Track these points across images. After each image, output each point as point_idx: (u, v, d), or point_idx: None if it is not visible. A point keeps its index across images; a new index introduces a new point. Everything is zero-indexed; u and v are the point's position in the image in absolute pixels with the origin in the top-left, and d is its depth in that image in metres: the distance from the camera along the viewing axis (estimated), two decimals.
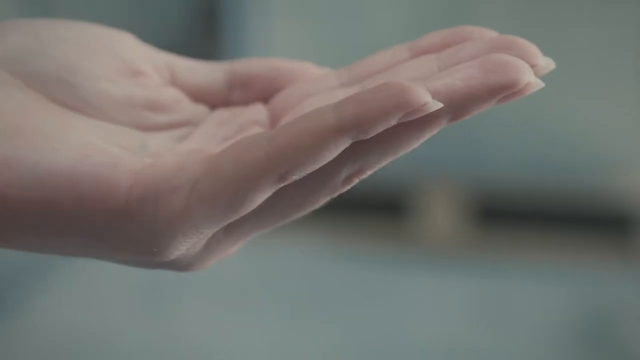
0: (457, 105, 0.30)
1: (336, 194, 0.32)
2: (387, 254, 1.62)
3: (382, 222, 1.68)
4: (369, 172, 0.32)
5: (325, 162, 0.30)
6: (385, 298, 1.48)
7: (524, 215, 1.72)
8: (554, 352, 1.34)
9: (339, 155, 0.31)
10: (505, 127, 1.61)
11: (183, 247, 0.31)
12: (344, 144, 0.30)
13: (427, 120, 0.31)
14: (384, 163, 0.32)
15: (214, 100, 0.39)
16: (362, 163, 0.31)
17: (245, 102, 0.38)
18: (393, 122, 0.30)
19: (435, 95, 0.30)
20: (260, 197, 0.30)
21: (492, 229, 1.71)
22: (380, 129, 0.30)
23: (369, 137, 0.30)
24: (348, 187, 0.32)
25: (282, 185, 0.30)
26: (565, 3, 1.52)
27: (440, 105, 0.30)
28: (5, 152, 0.31)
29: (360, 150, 0.31)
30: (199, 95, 0.38)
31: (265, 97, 0.38)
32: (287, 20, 1.57)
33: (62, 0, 1.55)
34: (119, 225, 0.30)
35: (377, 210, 1.70)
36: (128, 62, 0.37)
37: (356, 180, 0.32)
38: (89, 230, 0.30)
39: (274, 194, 0.32)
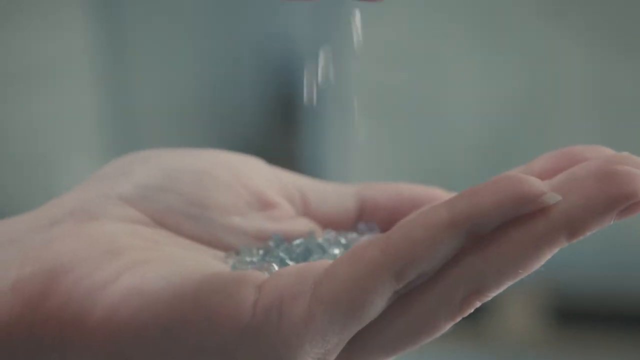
0: (575, 220, 0.29)
1: (456, 318, 0.31)
2: (463, 352, 1.61)
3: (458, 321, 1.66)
4: (488, 295, 0.31)
5: (441, 258, 0.29)
6: None
7: (602, 317, 1.69)
8: None
9: (455, 270, 0.30)
10: None
11: (310, 359, 0.30)
12: (458, 239, 0.29)
13: (545, 237, 0.29)
14: (501, 285, 0.30)
15: (341, 227, 0.39)
16: (479, 282, 0.30)
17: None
18: (508, 213, 0.29)
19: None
20: (379, 299, 0.30)
21: (569, 329, 1.69)
22: (494, 221, 0.29)
23: (482, 232, 0.29)
24: (468, 311, 0.31)
25: (400, 287, 0.30)
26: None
27: (559, 198, 0.29)
28: (133, 280, 0.31)
29: (476, 266, 0.30)
30: (328, 223, 0.38)
31: (389, 225, 0.38)
32: (366, 117, 1.58)
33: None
34: (248, 341, 0.30)
35: None
36: (259, 194, 0.37)
37: (476, 304, 0.31)
38: (221, 349, 0.30)
39: (393, 310, 0.31)
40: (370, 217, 0.39)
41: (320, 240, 0.36)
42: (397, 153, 1.57)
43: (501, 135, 1.53)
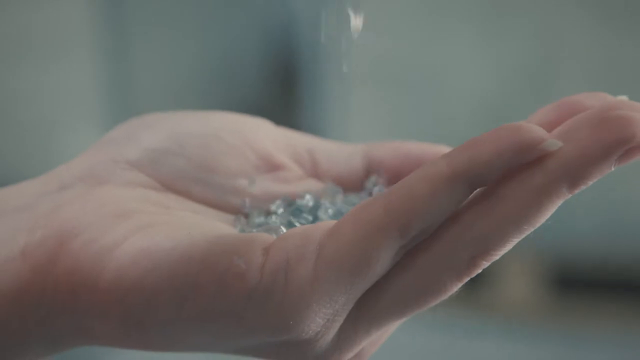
0: (573, 169, 0.29)
1: (463, 279, 0.31)
2: (462, 320, 1.61)
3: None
4: (494, 255, 0.30)
5: (444, 212, 0.29)
6: None
7: (601, 285, 1.70)
8: None
9: (459, 231, 0.30)
10: (583, 194, 1.59)
11: (319, 320, 0.30)
12: (460, 191, 0.29)
13: (545, 189, 0.29)
14: (506, 242, 0.30)
15: (350, 185, 0.39)
16: (484, 242, 0.30)
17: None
18: (508, 162, 0.29)
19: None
20: (385, 256, 0.30)
21: (569, 298, 1.69)
22: (494, 171, 0.29)
23: (484, 182, 0.29)
24: (475, 271, 0.31)
25: (405, 242, 0.30)
26: None
27: (560, 144, 0.29)
28: (142, 242, 0.31)
29: (479, 226, 0.30)
30: (337, 182, 0.38)
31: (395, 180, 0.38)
32: (366, 84, 1.57)
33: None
34: (256, 302, 0.30)
35: None
36: (266, 156, 0.37)
37: (482, 264, 0.31)
38: (230, 311, 0.30)
39: (399, 269, 0.31)
40: (378, 175, 0.39)
41: (325, 200, 0.36)
42: (397, 121, 1.57)
43: (503, 105, 1.53)
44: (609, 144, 0.29)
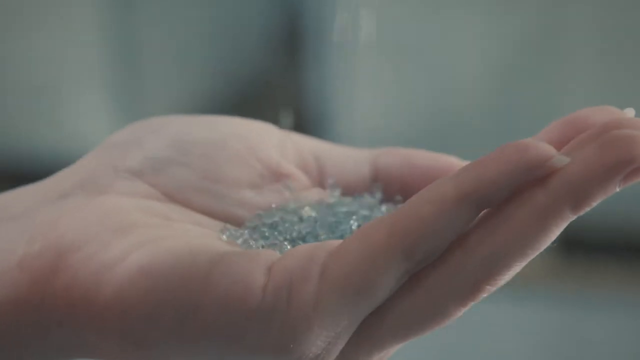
0: (577, 191, 0.29)
1: (467, 304, 0.31)
2: None
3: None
4: (499, 280, 0.30)
5: (451, 234, 0.29)
6: (462, 325, 1.47)
7: (606, 245, 1.70)
8: None
9: (464, 257, 0.30)
10: None
11: (320, 343, 0.30)
12: (467, 212, 0.29)
13: (548, 211, 0.29)
14: (510, 268, 0.30)
15: (356, 193, 0.38)
16: (488, 267, 0.30)
17: (384, 195, 0.38)
18: (516, 181, 0.28)
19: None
20: (389, 279, 0.29)
21: (574, 258, 1.69)
22: (502, 191, 0.28)
23: (492, 203, 0.29)
24: (479, 297, 0.31)
25: (411, 266, 0.29)
26: None
27: (567, 159, 0.29)
28: (142, 260, 0.31)
29: (483, 252, 0.30)
30: (343, 190, 0.38)
31: (401, 192, 0.38)
32: (370, 52, 1.57)
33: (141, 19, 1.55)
34: (258, 324, 0.30)
35: None
36: (272, 166, 0.36)
37: (487, 289, 0.31)
38: (230, 331, 0.30)
39: (403, 293, 0.31)
40: (384, 185, 0.38)
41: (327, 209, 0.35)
42: (402, 87, 1.57)
43: (508, 73, 1.52)
44: (613, 164, 0.28)
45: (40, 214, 0.33)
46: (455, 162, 0.38)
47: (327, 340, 0.30)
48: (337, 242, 0.31)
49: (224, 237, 0.34)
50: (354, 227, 0.34)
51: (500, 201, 0.29)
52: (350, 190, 0.38)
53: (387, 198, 0.38)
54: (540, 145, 0.29)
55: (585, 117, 0.32)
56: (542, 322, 1.51)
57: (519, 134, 1.35)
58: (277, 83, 1.82)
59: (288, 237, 0.34)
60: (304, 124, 1.61)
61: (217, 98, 1.69)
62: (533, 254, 0.30)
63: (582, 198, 0.29)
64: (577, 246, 1.70)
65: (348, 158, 0.38)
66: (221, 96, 1.70)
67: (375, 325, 0.31)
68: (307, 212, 0.35)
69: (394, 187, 0.38)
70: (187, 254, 0.31)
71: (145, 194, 0.34)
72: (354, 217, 0.35)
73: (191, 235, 0.33)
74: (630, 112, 0.32)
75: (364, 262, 0.29)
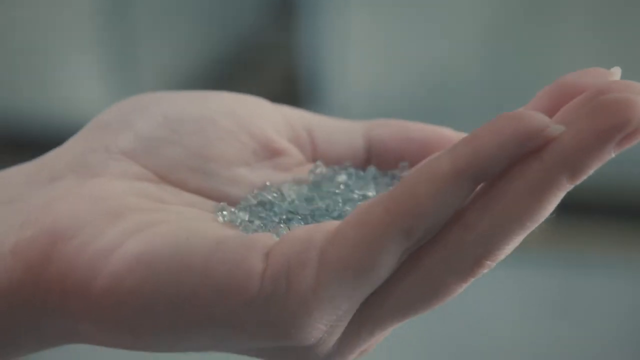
0: (572, 160, 0.28)
1: (468, 280, 0.30)
2: None
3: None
4: (499, 255, 0.30)
5: (449, 210, 0.29)
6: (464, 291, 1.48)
7: (602, 207, 1.70)
8: (630, 347, 1.34)
9: (462, 233, 0.29)
10: None
11: (321, 327, 0.30)
12: (464, 188, 0.28)
13: (545, 182, 0.29)
14: (510, 242, 0.30)
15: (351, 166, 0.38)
16: (487, 242, 0.29)
17: (379, 168, 0.37)
18: (512, 153, 0.28)
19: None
20: (389, 259, 0.29)
21: (570, 220, 1.70)
22: (499, 164, 0.28)
23: (489, 176, 0.28)
24: (479, 273, 0.30)
25: (410, 244, 0.29)
26: None
27: (562, 128, 0.28)
28: (138, 248, 0.30)
29: (482, 228, 0.29)
30: (337, 163, 0.37)
31: (397, 164, 0.37)
32: (365, 12, 1.56)
33: None
34: (257, 311, 0.29)
35: None
36: (266, 142, 0.36)
37: (488, 264, 0.30)
38: (230, 318, 0.30)
39: (403, 271, 0.30)
40: (378, 158, 0.38)
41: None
42: (395, 51, 1.56)
43: (501, 39, 1.52)
44: (606, 131, 0.28)
45: (33, 198, 0.33)
46: (450, 134, 0.37)
47: (328, 324, 0.30)
48: (334, 224, 0.30)
49: (220, 218, 0.33)
50: (348, 208, 0.34)
51: (497, 174, 0.29)
52: (343, 163, 0.37)
53: (382, 170, 0.37)
54: (534, 115, 0.28)
55: (574, 81, 0.32)
56: (542, 284, 1.52)
57: (511, 95, 1.36)
58: (270, 44, 1.81)
59: (284, 217, 0.34)
60: (296, 86, 1.61)
61: (210, 59, 1.68)
62: (532, 227, 0.30)
63: (578, 167, 0.29)
64: (575, 208, 1.70)
65: (340, 130, 0.38)
66: (214, 58, 1.69)
67: (376, 305, 0.31)
68: (300, 191, 0.34)
69: (388, 159, 0.37)
70: (182, 241, 0.30)
71: (138, 176, 0.33)
72: (350, 195, 0.34)
73: (186, 219, 0.32)
74: (617, 72, 0.32)
75: (362, 244, 0.29)
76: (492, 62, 1.52)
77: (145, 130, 0.35)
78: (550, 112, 0.31)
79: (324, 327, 0.30)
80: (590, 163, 0.29)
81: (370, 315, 0.31)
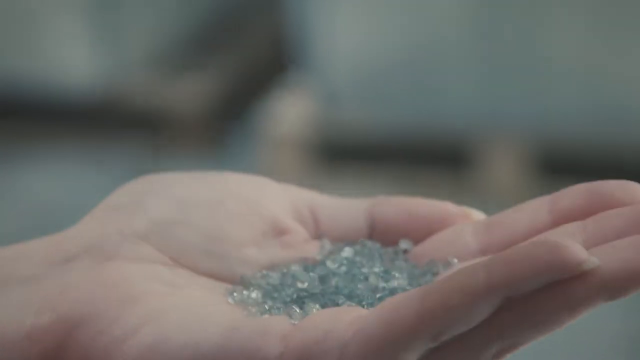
0: (614, 286, 0.29)
1: None
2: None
3: (442, 174, 1.67)
4: (519, 347, 0.31)
5: (478, 320, 0.29)
6: None
7: (586, 168, 1.71)
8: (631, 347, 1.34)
9: (490, 330, 0.30)
10: (569, 79, 1.60)
11: None
12: (496, 301, 0.29)
13: (584, 302, 0.30)
14: (533, 339, 0.31)
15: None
16: (513, 341, 0.30)
17: (382, 244, 0.37)
18: (547, 280, 0.29)
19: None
20: (411, 358, 0.29)
21: (554, 181, 1.70)
22: (532, 286, 0.29)
23: (521, 294, 0.29)
24: None
25: (434, 345, 0.29)
26: None
27: (597, 263, 0.29)
28: (153, 336, 0.31)
29: (511, 327, 0.30)
30: (341, 240, 0.37)
31: (398, 240, 0.38)
32: (349, 1, 1.55)
33: None
34: None
35: (437, 162, 1.70)
36: (273, 221, 0.36)
37: (506, 356, 0.31)
38: None
39: None
40: (381, 235, 0.38)
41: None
42: (381, 8, 1.56)
43: (485, 6, 1.52)
44: None
45: (48, 280, 0.33)
46: (452, 209, 0.38)
47: None
48: (353, 312, 0.31)
49: (231, 300, 0.34)
50: (360, 286, 0.34)
51: (524, 311, 0.30)
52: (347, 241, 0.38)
53: (385, 246, 0.37)
54: (572, 247, 0.29)
55: (611, 192, 0.33)
56: None
57: (495, 58, 1.35)
58: (255, 8, 1.81)
59: (294, 296, 0.34)
60: (282, 49, 1.61)
61: (195, 23, 1.68)
62: (556, 328, 0.31)
63: (618, 292, 0.29)
64: (557, 167, 1.71)
65: (343, 209, 0.38)
66: (199, 22, 1.69)
67: None
68: (309, 270, 0.35)
69: (391, 236, 0.37)
70: (197, 328, 0.30)
71: (151, 259, 0.34)
72: (362, 277, 0.35)
73: (199, 304, 0.33)
74: None
75: (388, 346, 0.29)
76: (478, 25, 1.52)
77: (158, 213, 0.35)
78: (579, 214, 0.33)
79: None
80: (631, 289, 0.30)
81: None
